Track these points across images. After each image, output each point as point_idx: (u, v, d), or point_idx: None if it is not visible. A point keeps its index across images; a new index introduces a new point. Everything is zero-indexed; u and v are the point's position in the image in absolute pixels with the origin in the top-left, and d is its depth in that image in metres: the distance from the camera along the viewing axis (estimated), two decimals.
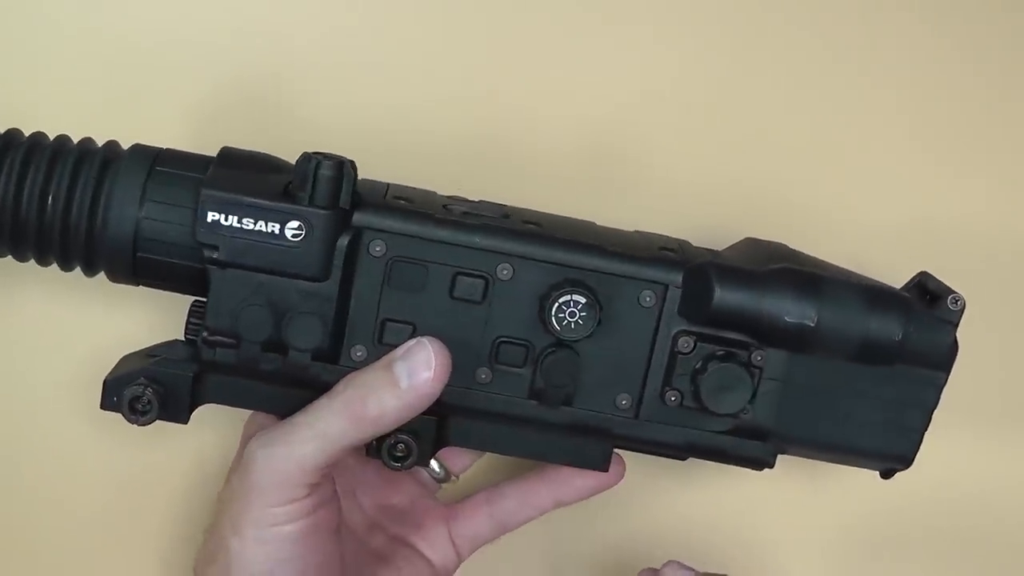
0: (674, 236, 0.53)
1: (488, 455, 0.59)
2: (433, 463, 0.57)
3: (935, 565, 0.64)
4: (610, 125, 0.60)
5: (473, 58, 0.59)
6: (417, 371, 0.46)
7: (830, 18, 0.60)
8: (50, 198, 0.48)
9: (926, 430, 0.51)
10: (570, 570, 0.64)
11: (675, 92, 0.60)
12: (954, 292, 0.50)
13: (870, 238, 0.60)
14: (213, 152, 0.50)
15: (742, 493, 0.62)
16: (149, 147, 0.50)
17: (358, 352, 0.49)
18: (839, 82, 0.61)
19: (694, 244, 0.53)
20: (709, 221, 0.58)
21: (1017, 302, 0.62)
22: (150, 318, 0.57)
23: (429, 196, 0.51)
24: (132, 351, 0.51)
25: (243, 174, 0.48)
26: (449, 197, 0.51)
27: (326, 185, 0.47)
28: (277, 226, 0.47)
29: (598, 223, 0.52)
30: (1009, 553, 0.65)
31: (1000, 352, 0.62)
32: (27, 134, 0.49)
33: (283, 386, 0.49)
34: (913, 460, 0.52)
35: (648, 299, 0.49)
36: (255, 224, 0.47)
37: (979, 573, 0.65)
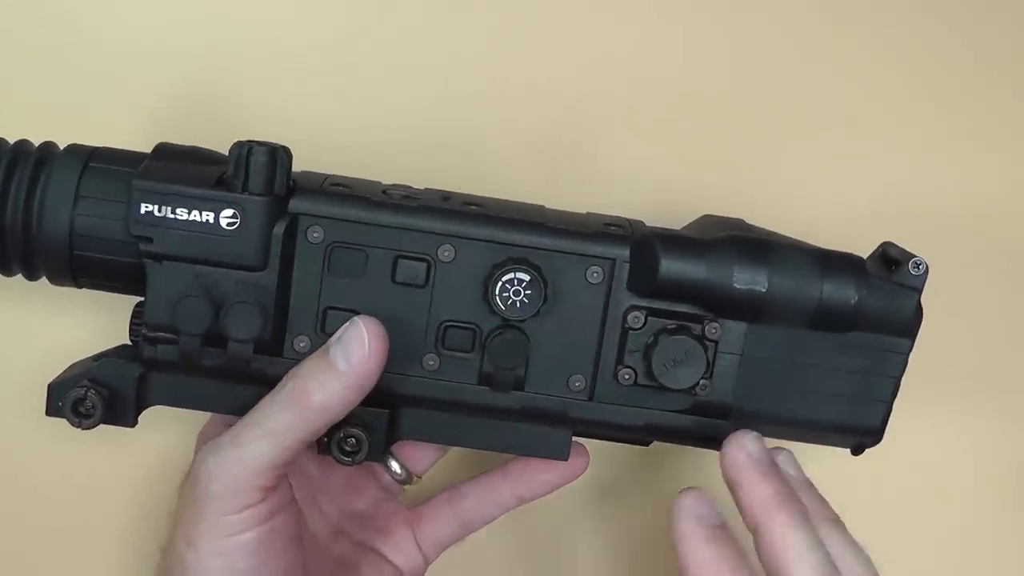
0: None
1: (449, 454, 0.57)
2: (394, 464, 0.55)
3: (913, 543, 0.62)
4: (564, 111, 0.59)
5: (427, 49, 0.59)
6: (353, 351, 0.45)
7: None
8: None
9: (894, 400, 0.50)
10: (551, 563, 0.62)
11: (630, 75, 0.59)
12: (915, 256, 0.49)
13: (832, 218, 0.59)
14: None
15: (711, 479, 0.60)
16: (84, 146, 0.49)
17: (301, 343, 0.48)
18: (799, 58, 0.60)
19: (648, 224, 0.51)
20: (668, 205, 0.57)
21: (987, 278, 0.61)
22: (99, 323, 0.57)
23: (370, 184, 0.50)
24: (81, 358, 0.51)
25: (177, 165, 0.47)
26: (391, 185, 0.50)
27: (259, 171, 0.46)
28: (211, 215, 0.46)
29: (548, 207, 0.51)
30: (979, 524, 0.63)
31: (969, 327, 0.61)
32: None
33: (227, 382, 0.48)
34: (882, 433, 0.50)
35: (595, 275, 0.48)
36: (189, 214, 0.46)
37: (954, 550, 0.63)
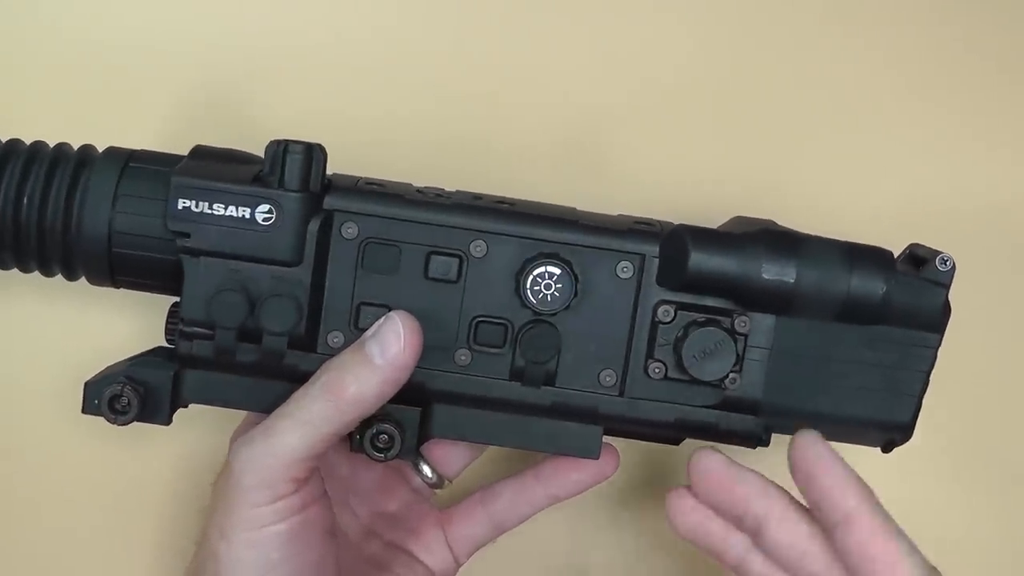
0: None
1: (481, 458, 0.58)
2: (425, 468, 0.56)
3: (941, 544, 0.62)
4: (587, 114, 0.60)
5: (448, 52, 0.60)
6: (389, 345, 0.46)
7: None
8: (25, 201, 0.48)
9: (923, 396, 0.50)
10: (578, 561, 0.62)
11: (659, 78, 0.60)
12: (942, 253, 0.49)
13: (862, 219, 0.59)
14: None
15: None
16: (123, 149, 0.50)
17: (335, 338, 0.49)
18: (829, 63, 0.61)
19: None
20: (694, 208, 0.57)
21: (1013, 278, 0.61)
22: (136, 324, 0.58)
23: (402, 184, 0.51)
24: (117, 359, 0.52)
25: (214, 164, 0.48)
26: (423, 186, 0.51)
27: (295, 168, 0.47)
28: (248, 211, 0.47)
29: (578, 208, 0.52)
30: None
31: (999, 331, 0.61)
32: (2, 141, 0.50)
33: (261, 377, 0.49)
34: (912, 429, 0.50)
35: (626, 270, 0.49)
36: (225, 209, 0.47)
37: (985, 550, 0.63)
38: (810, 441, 0.47)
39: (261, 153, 0.50)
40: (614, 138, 0.60)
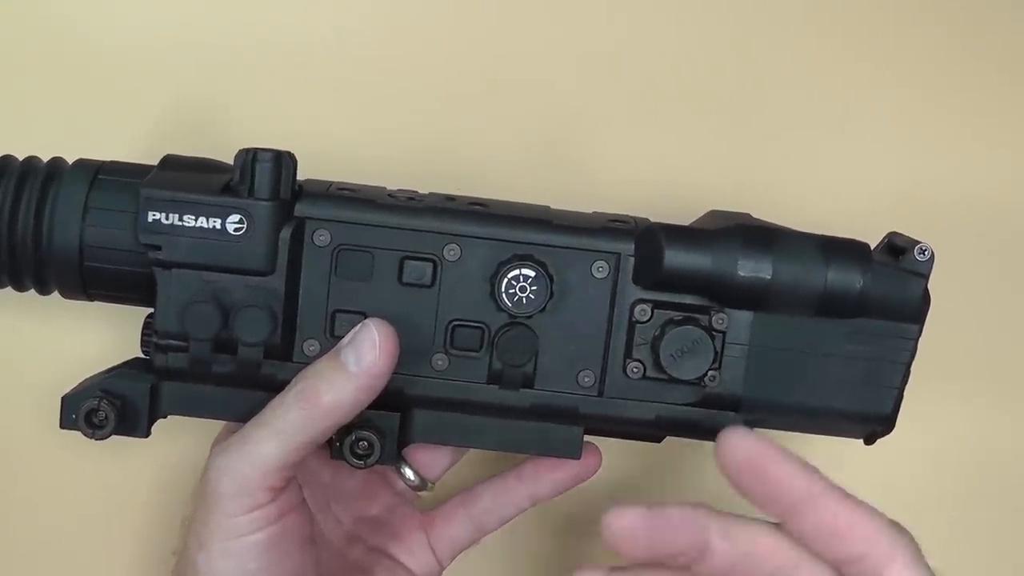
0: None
1: (465, 459, 0.57)
2: (408, 471, 0.56)
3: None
4: (564, 111, 0.60)
5: (421, 53, 0.60)
6: (364, 353, 0.45)
7: None
8: None
9: (904, 387, 0.49)
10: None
11: (634, 74, 0.60)
12: (920, 243, 0.49)
13: (839, 213, 0.58)
14: None
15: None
16: (93, 160, 0.50)
17: (311, 346, 0.48)
18: (803, 52, 0.60)
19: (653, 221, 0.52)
20: (674, 203, 0.57)
21: (995, 272, 0.61)
22: (113, 336, 0.57)
23: (375, 188, 0.50)
24: (95, 372, 0.51)
25: (184, 175, 0.48)
26: (396, 189, 0.51)
27: (265, 176, 0.47)
28: (218, 221, 0.47)
29: (553, 207, 0.52)
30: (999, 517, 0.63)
31: (976, 314, 0.61)
32: None
33: (238, 388, 0.48)
34: (894, 421, 0.50)
35: (601, 270, 0.48)
36: (196, 221, 0.47)
37: (968, 541, 0.63)
38: (742, 436, 0.43)
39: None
40: (590, 135, 0.60)
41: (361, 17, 0.60)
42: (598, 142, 0.60)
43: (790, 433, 0.53)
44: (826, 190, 0.60)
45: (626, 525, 0.41)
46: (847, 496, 0.41)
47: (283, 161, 0.47)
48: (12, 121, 0.58)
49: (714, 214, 0.52)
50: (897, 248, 0.50)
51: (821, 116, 0.60)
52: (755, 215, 0.52)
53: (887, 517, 0.41)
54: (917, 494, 0.62)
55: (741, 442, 0.42)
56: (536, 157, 0.59)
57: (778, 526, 0.42)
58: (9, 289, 0.50)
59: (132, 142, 0.56)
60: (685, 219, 0.53)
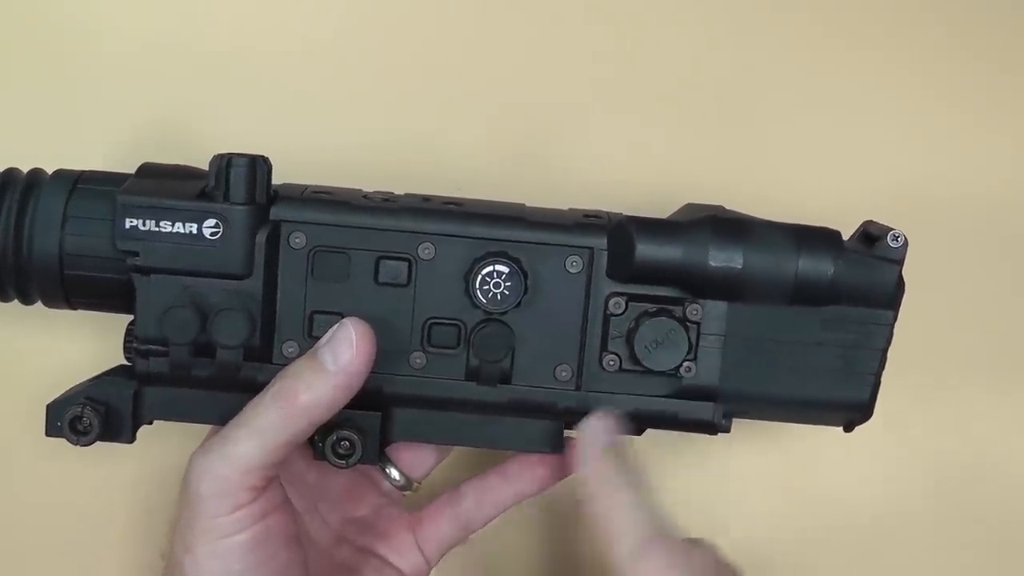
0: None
1: (449, 457, 0.58)
2: (393, 471, 0.56)
3: (905, 532, 0.62)
4: (540, 110, 0.60)
5: (394, 52, 0.60)
6: (341, 352, 0.46)
7: None
8: None
9: (881, 374, 0.50)
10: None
11: (610, 70, 0.60)
12: (893, 229, 0.49)
13: (818, 207, 0.59)
14: None
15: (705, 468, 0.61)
16: (71, 170, 0.51)
17: (289, 348, 0.49)
18: (782, 46, 0.61)
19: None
20: (652, 200, 0.57)
21: (976, 269, 0.62)
22: (97, 344, 0.58)
23: (350, 191, 0.51)
24: (80, 380, 0.52)
25: (161, 182, 0.49)
26: (371, 191, 0.51)
27: (240, 181, 0.47)
28: (195, 226, 0.47)
29: (528, 205, 0.52)
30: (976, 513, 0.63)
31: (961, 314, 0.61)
32: None
33: (219, 391, 0.49)
34: (871, 407, 0.50)
35: (575, 265, 0.49)
36: (172, 226, 0.47)
37: (939, 535, 0.63)
38: (590, 427, 0.49)
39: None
40: (565, 132, 0.60)
41: (335, 18, 0.60)
42: (575, 140, 0.60)
43: (771, 423, 0.53)
44: (804, 185, 0.60)
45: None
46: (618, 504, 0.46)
47: (258, 165, 0.48)
48: None
49: (689, 207, 0.52)
50: (871, 236, 0.50)
51: (801, 111, 0.61)
52: (732, 206, 0.52)
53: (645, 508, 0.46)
54: (896, 489, 0.63)
55: (585, 432, 0.48)
56: (513, 156, 0.60)
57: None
58: None
59: (108, 151, 0.57)
60: (663, 214, 0.53)
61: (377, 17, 0.60)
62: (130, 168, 0.50)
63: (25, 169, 0.51)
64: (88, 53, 0.60)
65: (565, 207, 0.52)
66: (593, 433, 0.48)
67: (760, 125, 0.61)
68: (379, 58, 0.60)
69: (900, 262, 0.49)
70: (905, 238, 0.49)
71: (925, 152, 0.61)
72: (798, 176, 0.61)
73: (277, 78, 0.60)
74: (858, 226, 0.52)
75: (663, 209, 0.53)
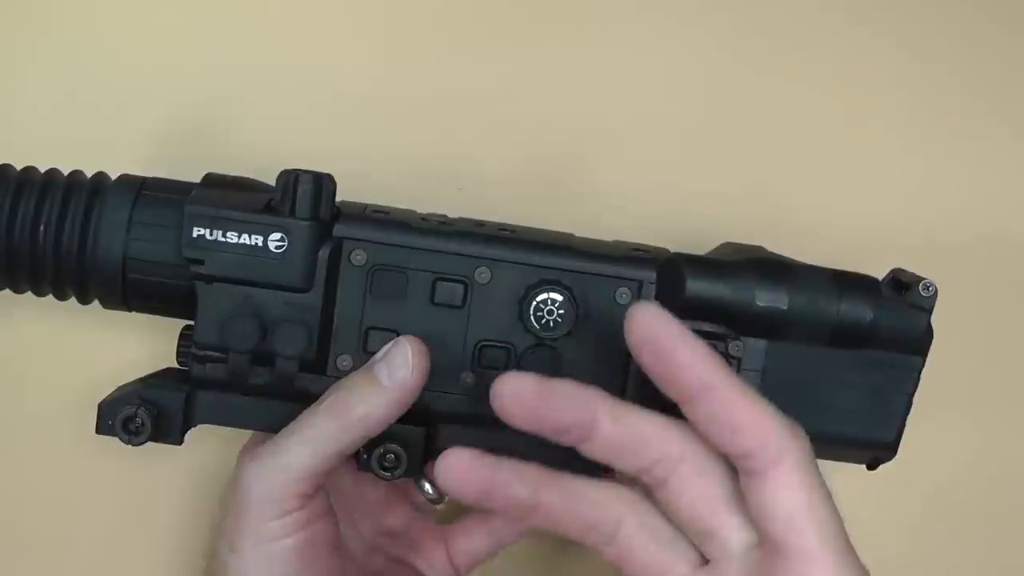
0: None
1: None
2: (427, 485, 0.57)
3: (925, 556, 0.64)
4: (575, 138, 0.62)
5: (435, 78, 0.62)
6: (397, 368, 0.47)
7: (804, 19, 0.63)
8: (41, 228, 0.50)
9: (907, 416, 0.52)
10: None
11: (643, 101, 0.62)
12: (925, 279, 0.51)
13: (847, 241, 0.61)
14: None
15: None
16: (135, 176, 0.52)
17: (344, 361, 0.50)
18: (815, 83, 0.63)
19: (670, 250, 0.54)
20: (686, 233, 0.59)
21: (997, 297, 0.64)
22: (147, 346, 0.59)
23: (406, 212, 0.52)
24: (127, 381, 0.53)
25: (226, 193, 0.50)
26: (426, 213, 0.53)
27: (306, 197, 0.49)
28: (260, 238, 0.49)
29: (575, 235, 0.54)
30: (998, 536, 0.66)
31: (983, 344, 0.64)
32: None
33: (272, 399, 0.50)
34: (896, 448, 0.52)
35: (623, 296, 0.51)
36: (239, 237, 0.49)
37: (963, 559, 0.65)
38: (653, 313, 0.42)
39: (260, 178, 0.52)
40: (598, 162, 0.62)
41: (377, 37, 0.61)
42: (607, 169, 0.62)
43: None
44: (834, 218, 0.63)
45: (515, 390, 0.42)
46: (747, 391, 0.42)
47: (324, 183, 0.49)
48: (24, 134, 0.60)
49: (727, 246, 0.54)
50: (902, 283, 0.52)
51: (832, 146, 0.63)
52: (766, 241, 0.54)
53: (784, 417, 0.42)
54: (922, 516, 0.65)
55: (650, 319, 0.42)
56: (548, 183, 0.61)
57: (670, 418, 0.43)
58: (50, 296, 0.52)
59: (132, 151, 0.59)
60: (688, 241, 0.55)
61: (418, 39, 0.61)
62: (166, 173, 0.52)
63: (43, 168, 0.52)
64: (124, 54, 0.61)
65: (593, 236, 0.54)
66: (678, 328, 0.42)
67: (790, 163, 0.63)
68: (416, 82, 0.61)
69: (930, 310, 0.51)
70: (936, 288, 0.51)
71: (953, 192, 0.64)
72: (828, 210, 0.63)
73: (320, 96, 0.61)
74: (888, 272, 0.54)
75: (694, 241, 0.55)
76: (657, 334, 0.42)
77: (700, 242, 0.56)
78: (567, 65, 0.62)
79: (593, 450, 0.43)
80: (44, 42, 0.60)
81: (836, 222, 0.63)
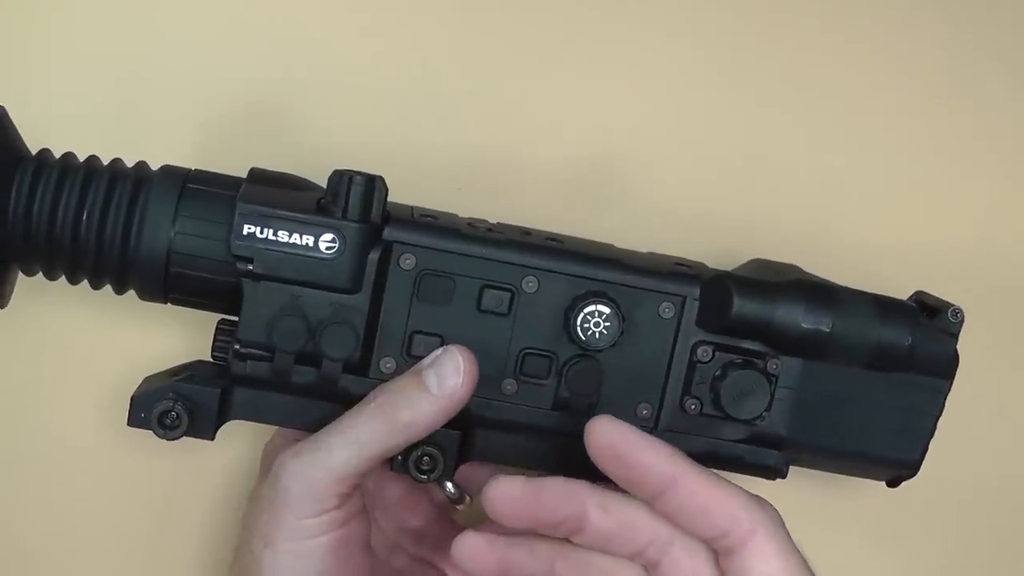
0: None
1: None
2: (449, 485, 0.57)
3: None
4: (613, 150, 0.62)
5: (476, 85, 0.62)
6: (447, 377, 0.48)
7: (834, 40, 0.63)
8: (84, 216, 0.49)
9: (932, 437, 0.53)
10: None
11: (678, 115, 0.63)
12: (953, 305, 0.53)
13: (870, 260, 0.63)
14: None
15: None
16: (179, 167, 0.51)
17: (387, 364, 0.50)
18: (841, 103, 0.64)
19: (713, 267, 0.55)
20: (710, 246, 0.60)
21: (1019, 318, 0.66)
22: (176, 337, 0.59)
23: (451, 216, 0.52)
24: (156, 371, 0.52)
25: (275, 190, 0.49)
26: (471, 218, 0.53)
27: (358, 199, 0.48)
28: (311, 239, 0.48)
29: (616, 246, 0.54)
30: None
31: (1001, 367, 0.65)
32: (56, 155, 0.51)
33: (313, 399, 0.50)
34: (919, 467, 0.54)
35: (668, 311, 0.51)
36: (290, 237, 0.48)
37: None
38: (608, 425, 0.46)
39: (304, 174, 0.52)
40: (627, 172, 0.63)
41: (420, 42, 0.61)
42: (635, 180, 0.63)
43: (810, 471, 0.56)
44: (859, 239, 0.64)
45: (505, 494, 0.46)
46: (708, 478, 0.46)
47: (376, 185, 0.49)
48: (66, 121, 0.59)
49: (759, 263, 0.55)
50: (928, 307, 0.54)
51: (860, 165, 0.64)
52: (801, 261, 0.55)
53: (748, 493, 0.46)
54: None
55: (606, 430, 0.46)
56: (582, 192, 0.62)
57: (652, 504, 0.46)
58: (84, 284, 0.51)
59: (173, 145, 0.58)
60: (721, 262, 0.56)
61: (459, 45, 0.62)
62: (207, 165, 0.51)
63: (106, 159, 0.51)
64: (169, 47, 0.60)
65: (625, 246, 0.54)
66: (634, 433, 0.46)
67: (812, 176, 0.64)
68: (451, 91, 0.62)
69: (957, 335, 0.53)
70: (963, 314, 0.53)
71: (985, 218, 0.65)
72: (863, 234, 0.64)
73: (365, 96, 0.61)
74: (911, 295, 0.55)
75: (719, 254, 0.56)
76: (617, 442, 0.46)
77: (722, 259, 0.57)
78: (601, 75, 0.62)
79: (585, 540, 0.47)
80: (81, 29, 0.60)
81: (857, 240, 0.64)
